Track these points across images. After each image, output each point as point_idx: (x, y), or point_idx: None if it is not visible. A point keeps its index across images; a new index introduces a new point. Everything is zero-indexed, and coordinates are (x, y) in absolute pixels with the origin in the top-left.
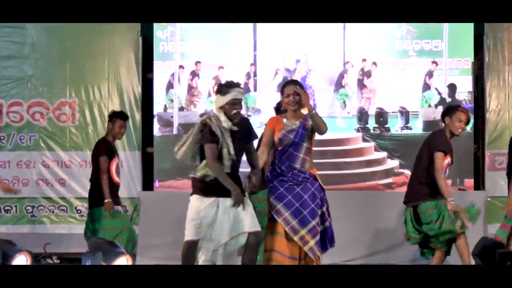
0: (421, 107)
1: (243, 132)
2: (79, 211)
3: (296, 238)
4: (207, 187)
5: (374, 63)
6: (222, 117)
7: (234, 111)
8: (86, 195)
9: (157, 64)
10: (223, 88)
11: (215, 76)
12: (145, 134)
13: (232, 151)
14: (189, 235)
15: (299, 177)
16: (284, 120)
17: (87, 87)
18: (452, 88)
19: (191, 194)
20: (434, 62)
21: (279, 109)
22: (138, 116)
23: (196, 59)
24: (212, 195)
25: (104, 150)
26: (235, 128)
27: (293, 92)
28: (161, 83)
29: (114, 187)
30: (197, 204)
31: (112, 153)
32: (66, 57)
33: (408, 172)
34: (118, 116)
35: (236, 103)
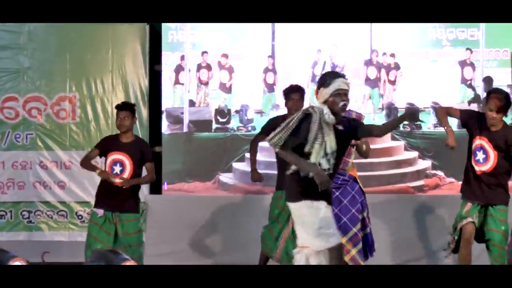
0: (461, 101)
1: (348, 132)
2: (80, 217)
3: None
4: (315, 192)
5: (392, 55)
6: (325, 110)
7: (341, 103)
8: (88, 199)
9: (165, 55)
10: (326, 79)
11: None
12: (153, 131)
13: (330, 149)
14: (313, 244)
15: (338, 180)
16: None
17: (89, 80)
18: (488, 81)
19: (296, 201)
20: (468, 49)
21: (287, 94)
22: (144, 112)
23: (209, 49)
24: (320, 199)
25: (98, 143)
26: (340, 128)
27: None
28: (170, 75)
29: (107, 186)
30: (312, 209)
31: (109, 148)
32: (66, 48)
33: (441, 174)
34: (116, 108)
35: (341, 94)
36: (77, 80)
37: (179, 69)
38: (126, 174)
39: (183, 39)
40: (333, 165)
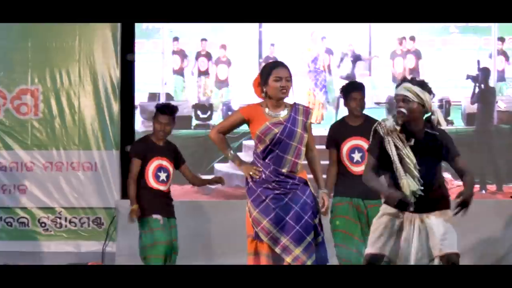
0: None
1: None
2: (43, 225)
3: (289, 260)
4: None
5: (412, 39)
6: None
7: (396, 110)
8: (51, 204)
9: (139, 43)
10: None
11: (217, 58)
12: (125, 128)
13: (409, 163)
14: None
15: (287, 184)
16: (266, 110)
17: (53, 71)
18: (485, 72)
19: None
20: (501, 39)
21: (346, 90)
22: (116, 107)
23: (187, 36)
24: None
25: (136, 150)
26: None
27: (286, 77)
28: (145, 66)
29: (151, 193)
30: None
31: (149, 154)
32: (28, 35)
33: (448, 176)
34: (158, 110)
35: (398, 100)
36: (40, 71)
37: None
38: (170, 180)
39: (160, 25)
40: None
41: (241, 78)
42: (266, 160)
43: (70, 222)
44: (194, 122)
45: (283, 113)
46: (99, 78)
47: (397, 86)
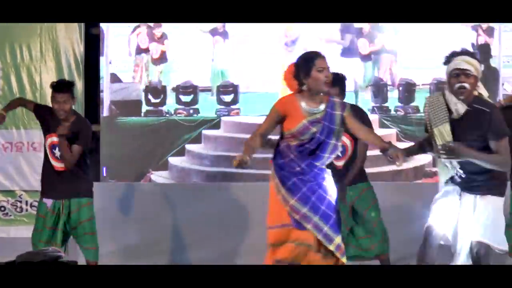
0: None
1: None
2: (2, 209)
3: (332, 248)
4: None
5: None
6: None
7: (457, 85)
8: (12, 187)
9: None
10: (446, 56)
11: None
12: (89, 107)
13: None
14: None
15: (319, 176)
16: (303, 104)
17: (13, 46)
18: (484, 50)
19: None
20: None
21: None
22: (80, 84)
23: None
24: None
25: (40, 106)
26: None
27: (328, 67)
28: (111, 41)
29: (49, 170)
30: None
31: (50, 126)
32: None
33: None
34: (53, 88)
35: (459, 74)
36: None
37: None
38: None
39: None
40: None
41: (180, 52)
42: (303, 154)
43: (31, 206)
44: (145, 108)
45: (320, 109)
46: (62, 54)
47: (448, 59)
